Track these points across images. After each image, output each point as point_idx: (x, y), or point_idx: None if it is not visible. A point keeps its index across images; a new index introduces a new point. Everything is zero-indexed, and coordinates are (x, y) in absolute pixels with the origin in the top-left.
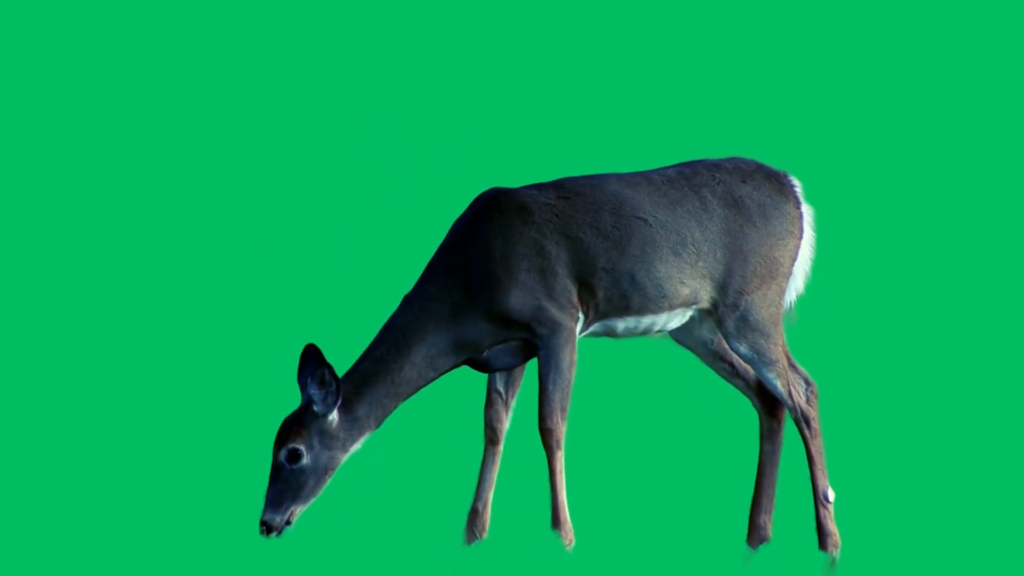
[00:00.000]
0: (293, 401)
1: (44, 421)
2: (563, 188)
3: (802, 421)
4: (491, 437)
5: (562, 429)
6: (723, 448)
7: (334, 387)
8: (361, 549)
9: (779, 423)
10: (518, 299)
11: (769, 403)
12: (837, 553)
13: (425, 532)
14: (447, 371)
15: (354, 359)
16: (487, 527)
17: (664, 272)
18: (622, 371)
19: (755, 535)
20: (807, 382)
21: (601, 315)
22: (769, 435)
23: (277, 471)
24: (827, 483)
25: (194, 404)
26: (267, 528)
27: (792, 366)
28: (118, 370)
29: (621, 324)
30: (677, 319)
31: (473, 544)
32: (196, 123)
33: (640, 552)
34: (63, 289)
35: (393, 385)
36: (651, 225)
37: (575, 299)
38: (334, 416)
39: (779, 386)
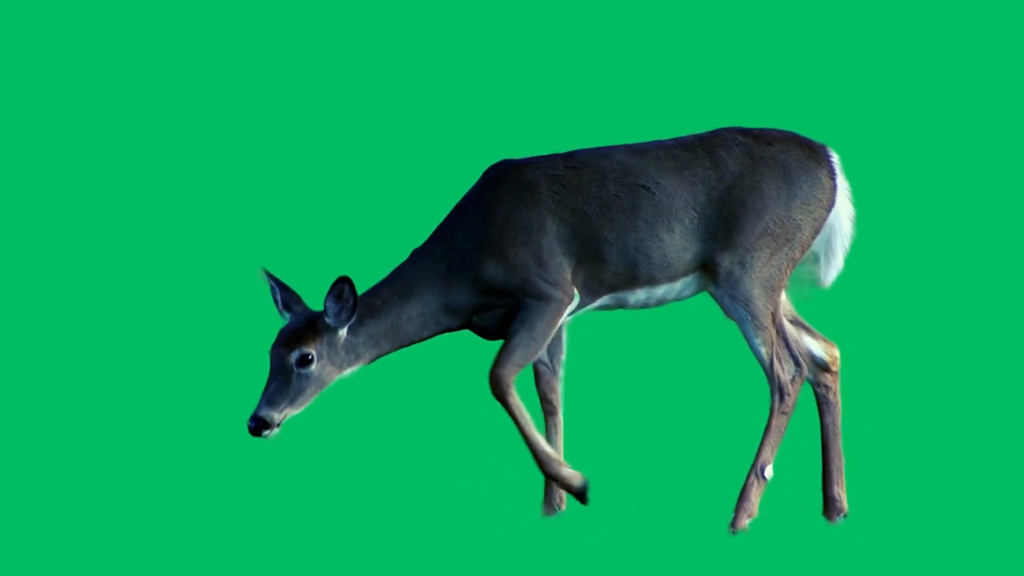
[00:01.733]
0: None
1: (37, 418)
2: (572, 159)
3: (776, 392)
4: (548, 409)
5: (510, 379)
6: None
7: (351, 303)
8: (439, 525)
9: (832, 392)
10: (506, 271)
11: (817, 372)
12: (745, 523)
13: (498, 507)
14: (443, 332)
15: None
16: (565, 498)
17: (668, 240)
18: (647, 342)
19: (831, 507)
20: (798, 364)
21: (610, 287)
22: (826, 406)
23: (282, 372)
24: (771, 459)
25: (192, 402)
26: (264, 424)
27: (803, 332)
28: (114, 368)
29: (632, 297)
30: (690, 288)
31: (554, 515)
32: (186, 109)
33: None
34: (51, 285)
35: (391, 329)
36: (653, 192)
37: (568, 276)
38: (343, 333)
39: (763, 353)
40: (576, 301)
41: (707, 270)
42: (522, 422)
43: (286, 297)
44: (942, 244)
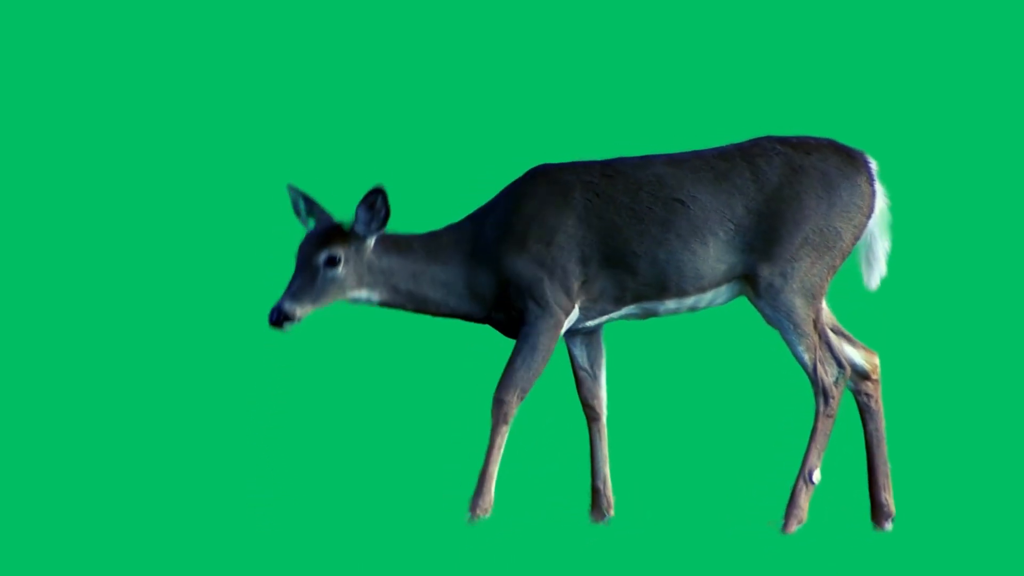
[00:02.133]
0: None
1: (37, 417)
2: (609, 167)
3: (820, 395)
4: (591, 415)
5: (515, 407)
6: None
7: (383, 214)
8: (487, 532)
9: (874, 400)
10: (522, 265)
11: (858, 380)
12: (795, 529)
13: (545, 513)
14: (463, 317)
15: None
16: (612, 504)
17: (701, 253)
18: (687, 347)
19: (880, 513)
20: (840, 365)
21: (637, 297)
22: (868, 414)
23: (308, 270)
24: (818, 464)
25: (192, 402)
26: (286, 317)
27: (843, 341)
28: (114, 368)
29: (662, 307)
30: (723, 296)
31: (604, 522)
32: (193, 104)
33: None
34: (43, 283)
35: (411, 278)
36: (688, 207)
37: (575, 286)
38: (370, 244)
39: (807, 359)
40: (576, 314)
41: (747, 281)
42: (495, 451)
43: (310, 207)
44: (979, 248)
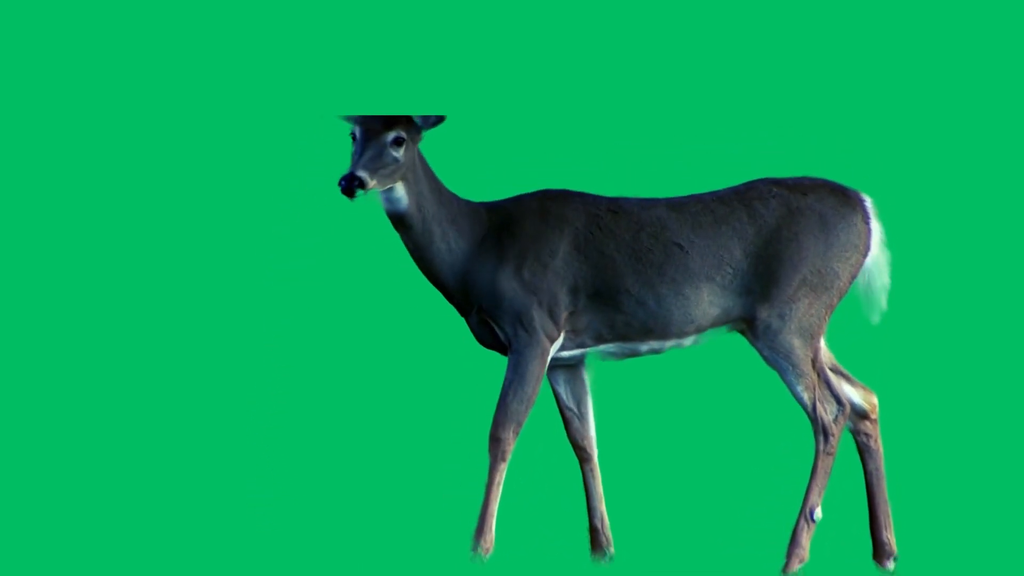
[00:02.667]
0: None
1: (37, 417)
2: (616, 203)
3: (820, 434)
4: (582, 456)
5: (511, 442)
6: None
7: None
8: (500, 570)
9: (873, 439)
10: (515, 289)
11: (856, 420)
12: (798, 568)
13: (551, 550)
14: (449, 299)
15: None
16: (612, 541)
17: (693, 298)
18: (681, 384)
19: (881, 552)
20: (839, 402)
21: (620, 336)
22: (868, 453)
23: (377, 145)
24: (819, 502)
25: (191, 402)
26: (360, 183)
27: (842, 380)
28: (113, 368)
29: (644, 346)
30: (708, 337)
31: (605, 560)
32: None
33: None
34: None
35: (436, 207)
36: (687, 252)
37: (564, 314)
38: (418, 140)
39: (806, 398)
40: (560, 341)
41: (745, 323)
42: (494, 488)
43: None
44: (977, 286)
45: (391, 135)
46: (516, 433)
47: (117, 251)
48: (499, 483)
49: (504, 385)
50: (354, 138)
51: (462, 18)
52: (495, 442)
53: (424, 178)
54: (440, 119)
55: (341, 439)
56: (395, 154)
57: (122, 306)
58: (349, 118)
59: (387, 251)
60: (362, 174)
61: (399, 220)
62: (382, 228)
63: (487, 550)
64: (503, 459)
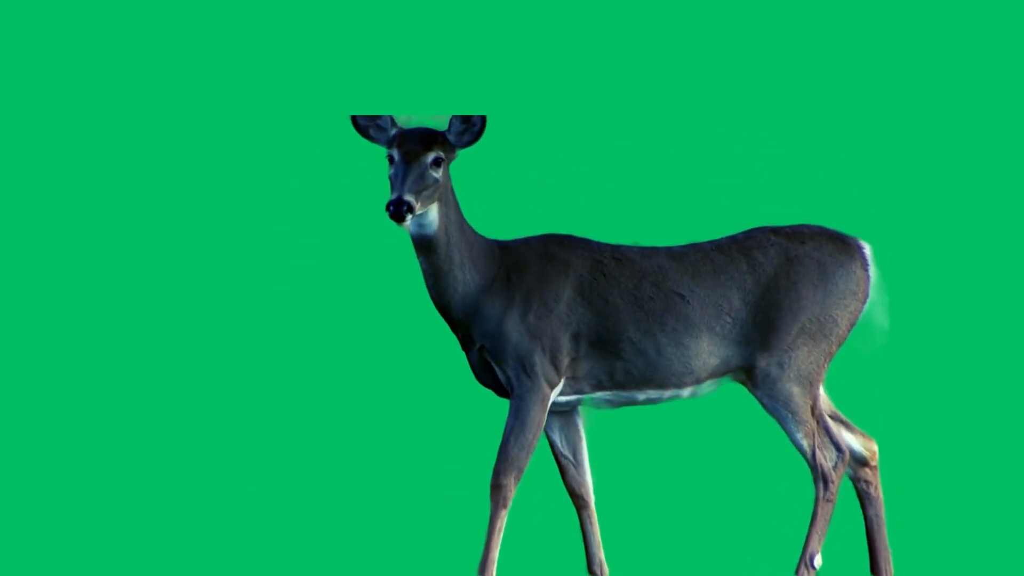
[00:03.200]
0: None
1: (36, 416)
2: (619, 251)
3: (820, 481)
4: (579, 503)
5: (512, 489)
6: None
7: (477, 128)
8: None
9: (873, 486)
10: (520, 334)
11: (856, 468)
12: None
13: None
14: (447, 317)
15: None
16: (607, 571)
17: (693, 348)
18: (679, 432)
19: None
20: (839, 449)
21: (618, 385)
22: (868, 500)
23: (418, 167)
24: (819, 548)
25: (190, 402)
26: (409, 208)
27: (841, 427)
28: (112, 368)
29: (641, 395)
30: (707, 388)
31: None
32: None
33: None
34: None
35: (460, 236)
36: (688, 302)
37: (564, 361)
38: (453, 157)
39: (805, 445)
40: (560, 387)
41: (744, 371)
42: (495, 534)
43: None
44: (975, 329)
45: (431, 156)
46: (517, 479)
47: (117, 251)
48: (500, 529)
49: (505, 431)
50: (391, 160)
51: (464, 42)
52: (496, 489)
53: (453, 202)
54: (474, 136)
55: (340, 488)
56: (435, 175)
57: (122, 306)
58: (390, 138)
59: (393, 271)
60: (410, 198)
61: (427, 243)
62: (390, 243)
63: None
64: (504, 505)
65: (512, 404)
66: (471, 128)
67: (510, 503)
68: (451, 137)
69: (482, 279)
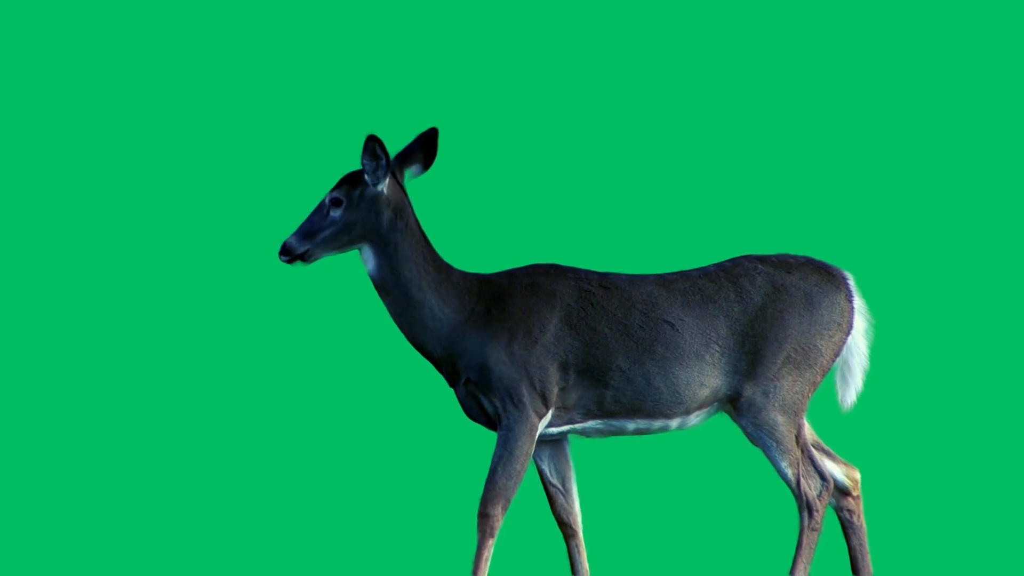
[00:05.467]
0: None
1: (37, 416)
2: (607, 279)
3: (804, 510)
4: (567, 532)
5: (500, 518)
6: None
7: (383, 162)
8: None
9: (856, 515)
10: (506, 365)
11: (839, 497)
12: None
13: None
14: (423, 351)
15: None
16: None
17: (684, 378)
18: (665, 462)
19: None
20: (823, 478)
21: (608, 413)
22: (851, 528)
23: (319, 210)
24: None
25: (190, 402)
26: (283, 250)
27: (824, 457)
28: (112, 368)
29: (631, 425)
30: (695, 419)
31: None
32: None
33: None
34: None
35: (414, 276)
36: (677, 330)
37: (553, 392)
38: (383, 188)
39: (790, 475)
40: (548, 418)
41: (729, 401)
42: (483, 563)
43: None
44: (957, 360)
45: (329, 196)
46: (504, 509)
47: (117, 251)
48: (487, 559)
49: (493, 461)
50: None
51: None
52: (483, 518)
53: (404, 242)
54: (387, 170)
55: (328, 517)
56: (333, 216)
57: (122, 306)
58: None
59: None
60: (290, 244)
61: (376, 284)
62: None
63: None
64: (491, 535)
65: (500, 434)
66: (379, 161)
67: (497, 532)
68: (367, 178)
69: (455, 314)
